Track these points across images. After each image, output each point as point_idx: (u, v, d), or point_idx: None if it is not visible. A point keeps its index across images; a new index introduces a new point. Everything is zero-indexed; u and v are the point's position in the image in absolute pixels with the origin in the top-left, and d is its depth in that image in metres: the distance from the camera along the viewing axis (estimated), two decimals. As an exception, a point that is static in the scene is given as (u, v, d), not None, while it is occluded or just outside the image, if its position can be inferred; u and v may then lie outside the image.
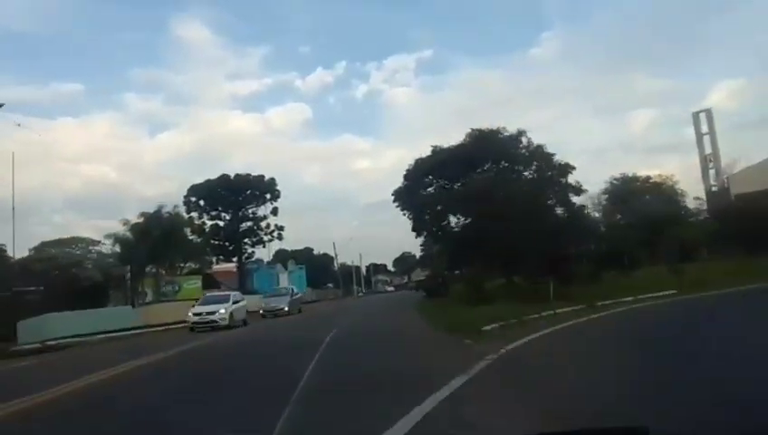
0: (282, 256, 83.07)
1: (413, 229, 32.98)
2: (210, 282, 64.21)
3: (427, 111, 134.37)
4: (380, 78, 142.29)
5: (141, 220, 48.35)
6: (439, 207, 30.21)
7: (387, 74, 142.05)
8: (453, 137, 46.15)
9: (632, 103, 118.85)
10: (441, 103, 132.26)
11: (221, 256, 64.83)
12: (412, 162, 32.00)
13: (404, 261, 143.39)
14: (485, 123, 31.85)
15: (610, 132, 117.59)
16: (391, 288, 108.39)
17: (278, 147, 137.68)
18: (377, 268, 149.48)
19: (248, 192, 64.68)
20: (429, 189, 31.76)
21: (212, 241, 63.90)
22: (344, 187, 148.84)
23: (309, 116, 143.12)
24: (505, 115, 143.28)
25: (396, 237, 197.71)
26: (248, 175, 64.54)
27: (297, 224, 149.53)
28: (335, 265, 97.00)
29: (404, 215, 32.43)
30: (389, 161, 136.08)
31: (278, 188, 65.30)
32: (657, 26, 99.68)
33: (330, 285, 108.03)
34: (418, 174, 30.93)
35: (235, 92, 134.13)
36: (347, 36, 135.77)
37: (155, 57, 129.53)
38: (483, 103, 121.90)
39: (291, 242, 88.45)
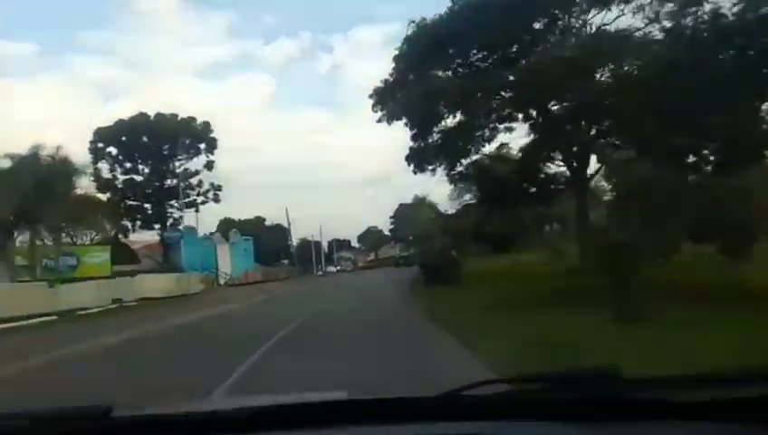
0: (228, 227, 69.23)
1: (412, 158, 19.21)
2: (124, 254, 49.91)
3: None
4: (346, 50, 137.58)
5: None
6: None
7: (352, 47, 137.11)
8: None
9: None
10: None
11: (138, 222, 49.98)
12: (408, 31, 18.17)
13: (370, 237, 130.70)
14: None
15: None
16: (349, 266, 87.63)
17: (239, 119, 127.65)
18: (340, 244, 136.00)
19: (175, 141, 49.67)
20: (446, 73, 17.73)
21: (126, 201, 49.01)
22: (307, 161, 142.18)
23: (272, 88, 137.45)
24: None
25: (360, 213, 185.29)
26: (174, 116, 49.49)
27: (255, 199, 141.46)
28: (290, 238, 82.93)
29: (390, 124, 18.41)
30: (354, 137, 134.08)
31: (214, 135, 50.60)
32: None
33: (285, 261, 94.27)
34: (422, 49, 17.18)
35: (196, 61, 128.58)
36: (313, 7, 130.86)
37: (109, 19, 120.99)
38: None
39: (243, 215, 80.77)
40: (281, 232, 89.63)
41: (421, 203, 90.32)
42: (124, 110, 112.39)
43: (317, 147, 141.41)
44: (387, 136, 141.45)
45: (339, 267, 66.62)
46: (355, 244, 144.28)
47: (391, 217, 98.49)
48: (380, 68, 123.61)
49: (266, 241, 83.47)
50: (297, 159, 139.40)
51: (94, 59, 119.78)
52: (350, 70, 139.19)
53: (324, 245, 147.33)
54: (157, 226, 49.98)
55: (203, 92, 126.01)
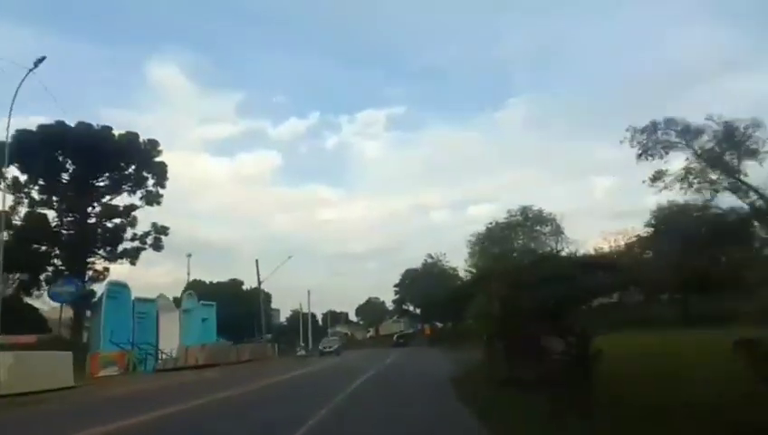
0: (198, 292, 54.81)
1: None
2: (24, 320, 34.95)
3: (396, 165, 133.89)
4: (352, 130, 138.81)
5: None
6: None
7: (358, 127, 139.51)
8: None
9: (593, 170, 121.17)
10: (410, 159, 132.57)
11: (45, 274, 35.35)
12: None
13: (369, 309, 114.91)
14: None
15: (573, 197, 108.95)
16: (334, 346, 57.81)
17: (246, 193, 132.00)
18: (335, 317, 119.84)
19: (110, 162, 36.01)
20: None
21: (31, 245, 34.66)
22: (309, 237, 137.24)
23: (278, 163, 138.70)
24: (473, 175, 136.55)
25: (362, 286, 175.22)
26: (108, 129, 36.05)
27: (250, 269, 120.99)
28: (262, 305, 67.04)
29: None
30: (358, 213, 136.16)
31: (162, 159, 37.00)
32: (615, 100, 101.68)
33: (267, 335, 78.68)
34: None
35: (206, 137, 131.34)
36: (321, 89, 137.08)
37: (127, 97, 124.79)
38: (450, 162, 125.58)
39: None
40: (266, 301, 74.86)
41: (433, 265, 77.32)
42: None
43: (320, 221, 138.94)
44: (392, 211, 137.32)
45: (323, 348, 50.77)
46: (353, 317, 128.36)
47: (396, 287, 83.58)
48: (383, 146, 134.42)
49: (244, 311, 68.67)
50: (300, 232, 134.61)
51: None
52: (356, 148, 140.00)
53: (321, 318, 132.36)
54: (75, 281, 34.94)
55: (211, 166, 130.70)
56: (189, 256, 66.35)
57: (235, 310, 65.23)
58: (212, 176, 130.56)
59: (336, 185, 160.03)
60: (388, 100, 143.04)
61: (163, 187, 37.66)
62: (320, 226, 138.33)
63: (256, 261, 46.32)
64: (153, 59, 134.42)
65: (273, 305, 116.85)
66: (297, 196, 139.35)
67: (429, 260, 77.14)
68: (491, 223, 71.82)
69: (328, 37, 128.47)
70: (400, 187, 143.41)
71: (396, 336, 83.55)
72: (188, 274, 67.06)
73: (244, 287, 73.66)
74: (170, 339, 40.57)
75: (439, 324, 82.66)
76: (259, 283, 46.07)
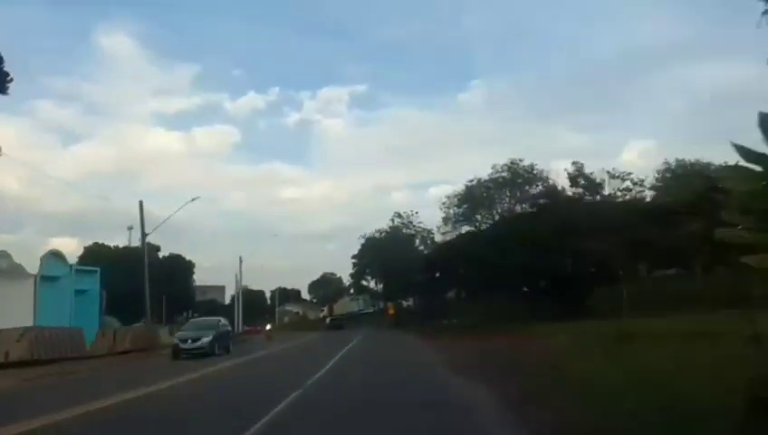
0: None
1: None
2: None
3: (358, 144, 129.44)
4: (313, 108, 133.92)
5: None
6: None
7: (320, 105, 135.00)
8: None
9: (553, 155, 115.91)
10: (372, 139, 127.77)
11: None
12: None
13: (324, 285, 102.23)
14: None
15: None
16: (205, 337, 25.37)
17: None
18: (284, 294, 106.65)
19: None
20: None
21: None
22: (268, 215, 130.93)
23: (237, 139, 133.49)
24: (435, 156, 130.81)
25: (320, 266, 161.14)
26: None
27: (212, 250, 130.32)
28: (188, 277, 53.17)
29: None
30: (319, 192, 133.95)
31: None
32: (576, 85, 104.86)
33: (195, 314, 65.28)
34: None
35: (161, 109, 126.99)
36: (281, 64, 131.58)
37: (73, 66, 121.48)
38: (413, 143, 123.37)
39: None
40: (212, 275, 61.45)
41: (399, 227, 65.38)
42: (85, 154, 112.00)
43: (280, 199, 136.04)
44: (352, 191, 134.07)
45: (183, 343, 29.45)
46: (306, 295, 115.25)
47: (354, 258, 70.87)
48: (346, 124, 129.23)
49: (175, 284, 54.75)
50: (258, 210, 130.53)
51: (56, 103, 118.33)
52: (317, 126, 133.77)
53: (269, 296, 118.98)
54: None
55: (166, 140, 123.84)
56: (130, 228, 55.11)
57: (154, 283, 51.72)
58: (165, 150, 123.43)
59: (297, 163, 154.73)
60: (351, 78, 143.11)
61: None
62: (280, 204, 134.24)
63: (140, 202, 31.46)
64: (101, 27, 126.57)
65: (217, 282, 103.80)
66: (256, 173, 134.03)
67: (397, 220, 64.69)
68: (471, 180, 59.65)
69: (288, 10, 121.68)
70: (362, 166, 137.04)
71: (329, 319, 73.06)
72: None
73: (160, 254, 59.12)
74: (20, 317, 26.82)
75: (405, 303, 70.96)
76: (143, 234, 31.47)
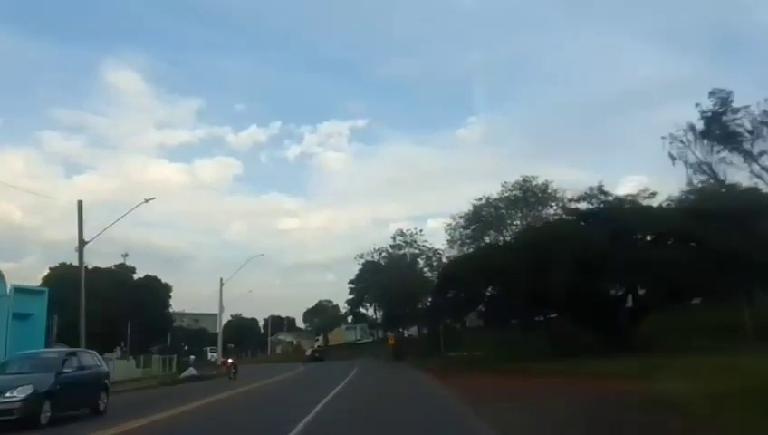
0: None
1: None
2: None
3: (357, 177, 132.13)
4: (314, 141, 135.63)
5: None
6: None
7: (320, 138, 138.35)
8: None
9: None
10: (372, 172, 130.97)
11: None
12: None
13: (319, 313, 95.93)
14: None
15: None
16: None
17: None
18: (277, 323, 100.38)
19: None
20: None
21: None
22: (268, 246, 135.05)
23: (239, 171, 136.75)
24: (433, 190, 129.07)
25: (318, 296, 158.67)
26: None
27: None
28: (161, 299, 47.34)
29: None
30: (318, 224, 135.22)
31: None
32: (571, 122, 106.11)
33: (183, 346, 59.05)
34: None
35: (163, 142, 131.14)
36: (283, 98, 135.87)
37: (80, 98, 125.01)
38: (411, 176, 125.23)
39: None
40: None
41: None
42: (90, 184, 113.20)
43: (280, 230, 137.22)
44: (351, 222, 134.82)
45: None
46: (301, 323, 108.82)
47: (351, 284, 65.11)
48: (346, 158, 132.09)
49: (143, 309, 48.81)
50: (257, 240, 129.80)
51: (61, 134, 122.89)
52: (317, 159, 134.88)
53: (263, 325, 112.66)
54: None
55: (168, 171, 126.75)
56: (125, 256, 52.14)
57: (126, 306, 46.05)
58: (168, 182, 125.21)
59: (297, 195, 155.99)
60: (351, 112, 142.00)
61: None
62: (279, 235, 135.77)
63: (79, 203, 25.65)
64: (108, 61, 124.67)
65: (210, 310, 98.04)
66: (257, 205, 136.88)
67: (399, 239, 59.13)
68: (480, 199, 54.48)
69: (291, 46, 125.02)
70: (361, 199, 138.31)
71: (310, 350, 70.70)
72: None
73: (135, 276, 53.38)
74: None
75: (406, 332, 65.04)
76: (81, 242, 25.61)
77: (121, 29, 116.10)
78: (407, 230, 59.58)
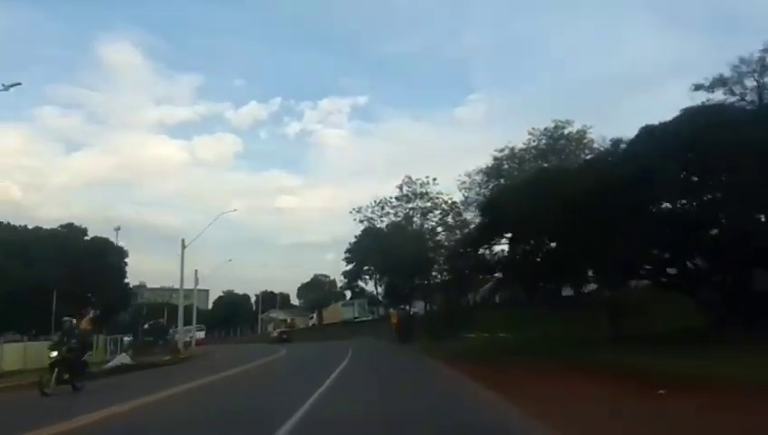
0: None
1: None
2: None
3: (358, 155, 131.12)
4: (314, 118, 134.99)
5: None
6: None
7: (321, 115, 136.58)
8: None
9: None
10: (372, 149, 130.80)
11: None
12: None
13: (315, 289, 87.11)
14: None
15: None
16: None
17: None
18: (268, 299, 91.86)
19: None
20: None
21: None
22: (267, 224, 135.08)
23: (239, 148, 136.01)
24: (433, 167, 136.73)
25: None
26: None
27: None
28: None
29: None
30: (318, 202, 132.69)
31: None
32: (572, 99, 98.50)
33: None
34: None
35: (163, 119, 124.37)
36: (282, 75, 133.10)
37: (77, 75, 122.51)
38: (411, 154, 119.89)
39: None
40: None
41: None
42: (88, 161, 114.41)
43: (280, 208, 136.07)
44: (351, 200, 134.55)
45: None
46: (295, 300, 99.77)
47: (348, 253, 55.80)
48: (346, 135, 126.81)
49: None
50: (256, 218, 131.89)
51: (61, 110, 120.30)
52: (318, 136, 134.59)
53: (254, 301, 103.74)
54: None
55: (167, 148, 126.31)
56: (117, 229, 47.57)
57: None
58: (167, 158, 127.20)
59: (296, 172, 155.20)
60: (351, 90, 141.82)
61: None
62: (279, 213, 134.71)
63: None
64: (105, 37, 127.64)
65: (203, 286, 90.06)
66: (256, 182, 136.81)
67: (407, 189, 49.45)
68: (502, 150, 45.12)
69: (291, 22, 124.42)
70: (361, 176, 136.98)
71: (278, 331, 65.65)
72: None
73: (87, 237, 44.16)
74: None
75: (412, 310, 56.36)
76: None
77: (120, 2, 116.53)
78: (416, 178, 49.74)
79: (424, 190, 48.09)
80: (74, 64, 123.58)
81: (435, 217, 48.37)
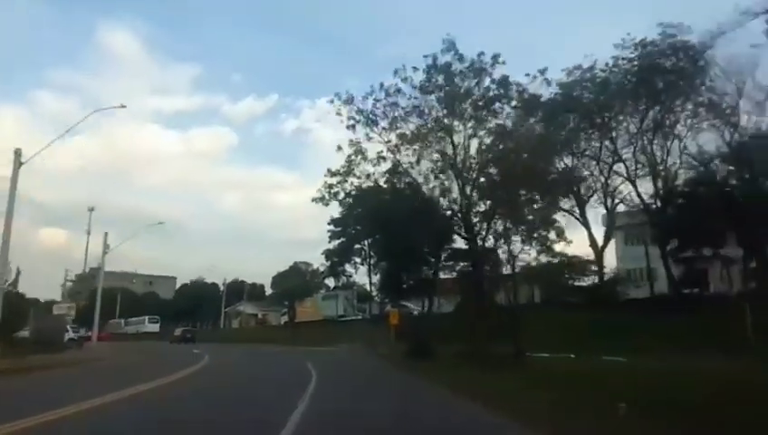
0: None
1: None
2: None
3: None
4: (311, 116, 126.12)
5: None
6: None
7: (318, 114, 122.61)
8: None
9: None
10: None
11: None
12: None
13: (288, 279, 70.07)
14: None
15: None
16: None
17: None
18: (235, 289, 75.84)
19: None
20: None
21: None
22: (260, 220, 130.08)
23: (234, 142, 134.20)
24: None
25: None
26: None
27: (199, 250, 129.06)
28: None
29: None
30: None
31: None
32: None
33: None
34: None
35: (159, 108, 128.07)
36: (281, 71, 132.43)
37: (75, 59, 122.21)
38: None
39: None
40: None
41: None
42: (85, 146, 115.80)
43: (273, 205, 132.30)
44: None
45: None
46: (270, 289, 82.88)
47: (332, 224, 40.20)
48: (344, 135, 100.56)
49: None
50: (248, 214, 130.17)
51: (57, 95, 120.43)
52: (315, 134, 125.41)
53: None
54: None
55: (161, 138, 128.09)
56: (91, 210, 42.29)
57: None
58: (161, 149, 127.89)
59: (291, 169, 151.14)
60: (349, 90, 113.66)
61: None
62: (272, 209, 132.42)
63: None
64: (105, 24, 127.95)
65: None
66: (251, 177, 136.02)
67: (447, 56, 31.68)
68: (577, 67, 29.37)
69: (290, 19, 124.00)
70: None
71: (180, 330, 57.87)
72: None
73: None
74: None
75: (414, 309, 41.15)
76: None
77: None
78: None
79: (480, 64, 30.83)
80: (73, 50, 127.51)
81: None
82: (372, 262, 40.64)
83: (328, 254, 42.54)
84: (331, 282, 53.58)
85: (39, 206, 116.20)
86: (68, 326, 35.04)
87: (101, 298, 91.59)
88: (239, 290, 79.70)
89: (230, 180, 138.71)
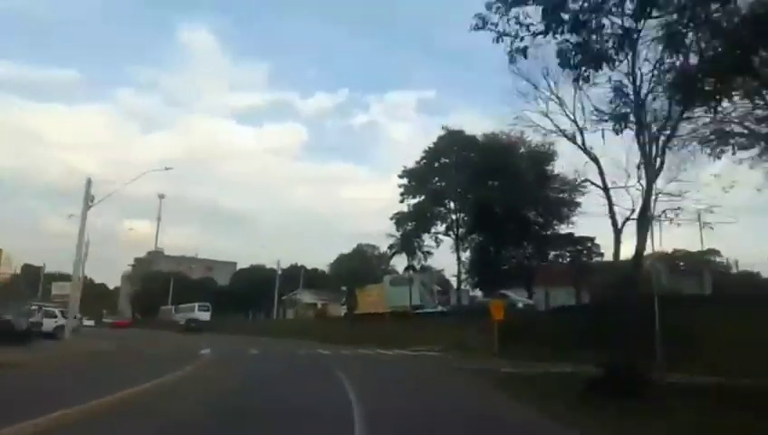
0: None
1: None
2: None
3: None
4: (380, 110, 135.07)
5: None
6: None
7: (387, 108, 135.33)
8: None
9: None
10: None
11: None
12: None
13: (355, 263, 59.07)
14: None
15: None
16: None
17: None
18: (290, 275, 66.53)
19: None
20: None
21: None
22: (329, 213, 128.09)
23: (304, 138, 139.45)
24: None
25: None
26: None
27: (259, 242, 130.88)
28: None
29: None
30: (382, 194, 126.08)
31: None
32: None
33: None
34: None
35: (234, 104, 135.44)
36: (351, 66, 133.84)
37: (156, 57, 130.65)
38: None
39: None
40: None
41: None
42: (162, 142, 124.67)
43: (342, 199, 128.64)
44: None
45: None
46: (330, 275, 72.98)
47: (404, 180, 29.32)
48: (413, 129, 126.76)
49: None
50: (321, 208, 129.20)
51: (137, 92, 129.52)
52: (383, 128, 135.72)
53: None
54: None
55: (236, 134, 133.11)
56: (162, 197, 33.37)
57: None
58: (236, 144, 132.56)
59: (361, 164, 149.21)
60: (418, 83, 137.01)
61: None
62: (341, 204, 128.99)
63: None
64: (183, 21, 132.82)
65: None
66: (321, 171, 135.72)
67: None
68: None
69: (360, 15, 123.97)
70: None
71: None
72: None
73: None
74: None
75: (518, 300, 29.25)
76: None
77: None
78: None
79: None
80: (154, 48, 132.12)
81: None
82: (461, 233, 29.15)
83: (398, 220, 31.21)
84: (401, 262, 42.20)
85: (125, 198, 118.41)
86: (57, 312, 26.16)
87: (155, 284, 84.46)
88: (298, 276, 70.57)
89: (301, 174, 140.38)
